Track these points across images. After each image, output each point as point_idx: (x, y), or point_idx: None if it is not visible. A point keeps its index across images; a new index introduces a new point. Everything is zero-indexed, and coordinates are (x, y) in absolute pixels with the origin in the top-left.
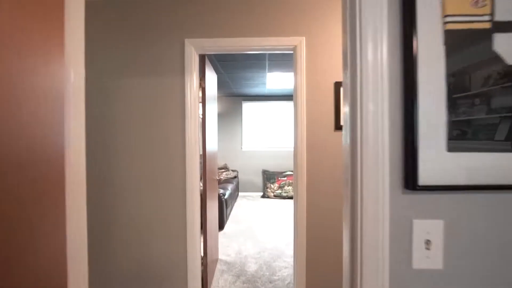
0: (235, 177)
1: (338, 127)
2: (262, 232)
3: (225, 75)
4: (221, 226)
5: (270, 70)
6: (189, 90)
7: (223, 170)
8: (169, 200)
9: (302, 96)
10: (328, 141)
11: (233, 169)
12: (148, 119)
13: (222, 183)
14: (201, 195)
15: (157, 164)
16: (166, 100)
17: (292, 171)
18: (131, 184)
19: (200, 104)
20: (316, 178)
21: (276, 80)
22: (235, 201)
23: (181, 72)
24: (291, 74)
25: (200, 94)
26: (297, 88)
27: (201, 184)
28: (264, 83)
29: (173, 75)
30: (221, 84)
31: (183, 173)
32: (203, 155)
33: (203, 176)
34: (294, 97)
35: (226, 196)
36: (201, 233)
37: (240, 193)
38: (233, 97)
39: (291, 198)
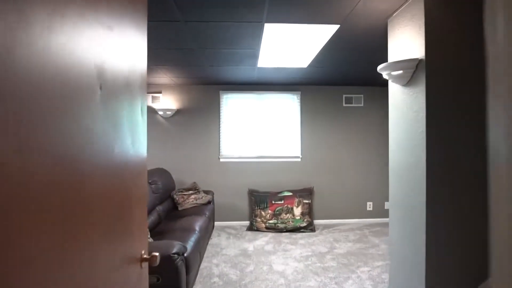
0: (209, 202)
1: None
2: None
3: (185, 27)
4: None
5: (270, 17)
6: None
7: (191, 192)
8: None
9: None
10: None
11: (206, 189)
12: None
13: (188, 214)
14: None
15: None
16: None
17: (291, 192)
18: None
19: None
20: None
21: (278, 42)
22: (208, 241)
23: None
24: (312, 28)
25: None
26: None
27: None
28: (255, 56)
29: None
30: (182, 57)
31: None
32: None
33: None
34: None
35: (188, 252)
36: None
37: (216, 223)
38: (207, 86)
39: (291, 230)
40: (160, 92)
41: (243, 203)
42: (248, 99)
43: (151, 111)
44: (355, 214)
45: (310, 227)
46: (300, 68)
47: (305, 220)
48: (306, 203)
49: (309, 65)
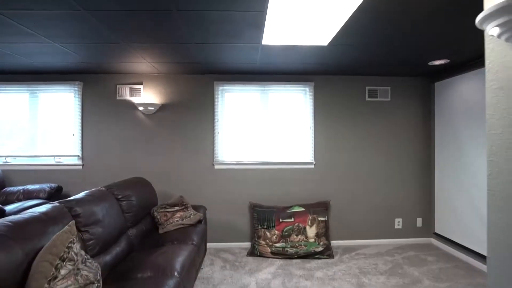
0: (199, 221)
1: None
2: None
3: None
4: None
5: None
6: None
7: (176, 209)
8: None
9: None
10: None
11: (196, 204)
12: None
13: (170, 240)
14: None
15: None
16: None
17: (303, 207)
18: None
19: None
20: None
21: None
22: (196, 275)
23: None
24: None
25: None
26: None
27: None
28: (259, 24)
29: None
30: (158, 27)
31: None
32: None
33: None
34: None
35: None
36: None
37: (210, 246)
38: (198, 76)
39: (304, 257)
40: (140, 84)
41: (243, 221)
42: (249, 91)
43: (130, 107)
44: (381, 233)
45: (327, 252)
46: (318, 47)
47: (321, 243)
48: (322, 221)
49: (330, 43)
